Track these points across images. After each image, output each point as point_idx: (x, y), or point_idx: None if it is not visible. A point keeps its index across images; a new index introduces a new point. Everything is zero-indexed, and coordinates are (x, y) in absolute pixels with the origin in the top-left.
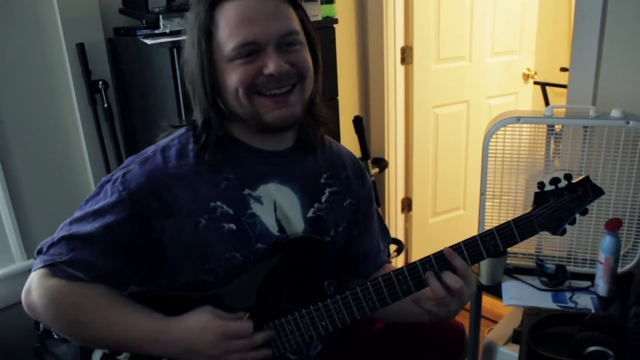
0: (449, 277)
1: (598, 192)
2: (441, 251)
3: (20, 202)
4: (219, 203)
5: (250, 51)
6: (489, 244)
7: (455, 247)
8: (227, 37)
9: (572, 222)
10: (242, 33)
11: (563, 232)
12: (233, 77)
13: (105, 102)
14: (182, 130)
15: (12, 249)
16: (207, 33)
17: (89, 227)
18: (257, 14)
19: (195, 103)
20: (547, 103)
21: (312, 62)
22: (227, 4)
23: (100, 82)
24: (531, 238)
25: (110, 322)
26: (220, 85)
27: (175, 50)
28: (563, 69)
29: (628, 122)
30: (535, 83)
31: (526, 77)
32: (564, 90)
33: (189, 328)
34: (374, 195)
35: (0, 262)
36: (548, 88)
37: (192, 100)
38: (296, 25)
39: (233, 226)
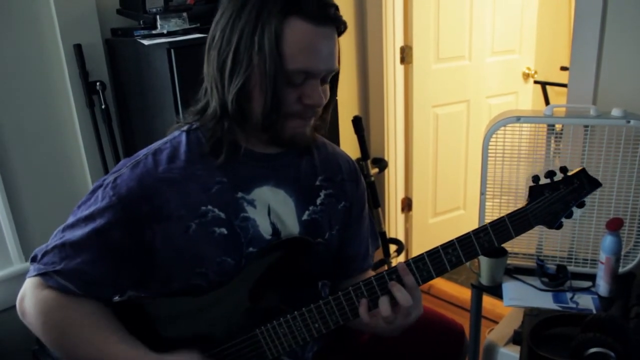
0: (399, 293)
1: (594, 183)
2: (395, 266)
3: (18, 203)
4: (210, 207)
5: (301, 79)
6: (483, 240)
7: (449, 244)
8: (291, 55)
9: (569, 216)
10: (305, 61)
11: (559, 226)
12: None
13: (103, 103)
14: (175, 133)
15: (10, 251)
16: (277, 37)
17: (80, 232)
18: (322, 47)
19: (219, 95)
20: (547, 102)
21: (334, 87)
22: (300, 21)
23: (97, 84)
24: (531, 238)
25: (93, 347)
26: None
27: (172, 51)
28: (563, 68)
29: (629, 122)
30: (536, 82)
31: (526, 76)
32: (564, 89)
33: None
34: (372, 195)
35: None
36: (548, 87)
37: (214, 89)
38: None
39: (224, 230)
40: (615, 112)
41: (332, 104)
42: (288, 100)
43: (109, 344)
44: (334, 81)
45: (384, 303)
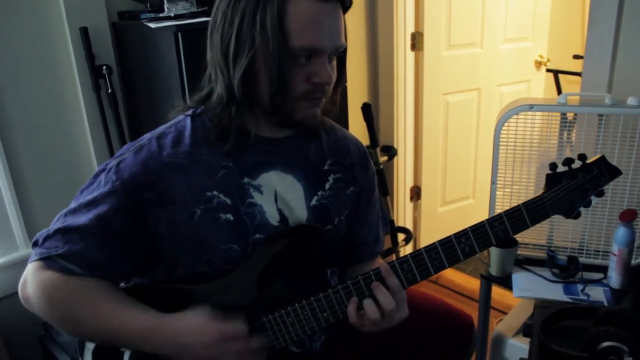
0: (382, 296)
1: (614, 172)
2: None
3: (23, 189)
4: (215, 193)
5: (308, 56)
6: (498, 230)
7: (462, 234)
8: (295, 33)
9: (587, 205)
10: (312, 36)
11: (577, 216)
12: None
13: (109, 87)
14: (180, 117)
15: (15, 237)
16: (280, 14)
17: (83, 218)
18: (327, 23)
19: (225, 79)
20: (559, 91)
21: (342, 66)
22: None
23: (104, 67)
24: (542, 228)
25: (102, 315)
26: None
27: (179, 34)
28: (576, 57)
29: None
30: (548, 70)
31: (539, 64)
32: (576, 78)
33: (184, 327)
34: (381, 183)
35: (4, 249)
36: (560, 76)
37: (219, 74)
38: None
39: (230, 217)
40: (632, 100)
41: (342, 84)
42: (295, 80)
43: (118, 310)
44: (342, 61)
45: (370, 306)
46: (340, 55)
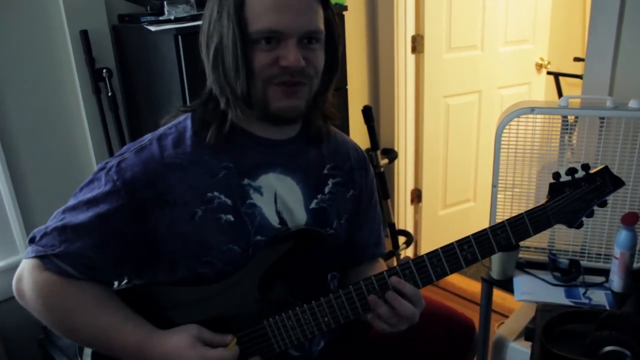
0: (398, 303)
1: (618, 182)
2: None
3: (23, 192)
4: (216, 193)
5: (273, 38)
6: (501, 238)
7: (465, 241)
8: (254, 18)
9: (590, 215)
10: (270, 19)
11: (580, 225)
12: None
13: (109, 90)
14: (180, 118)
15: (15, 240)
16: (240, 3)
17: (82, 216)
18: (288, 5)
19: (208, 78)
20: (560, 94)
21: (333, 61)
22: None
23: (104, 70)
24: (544, 231)
25: (97, 327)
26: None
27: (180, 37)
28: (577, 59)
29: None
30: (549, 73)
31: (539, 67)
32: (577, 80)
33: (169, 349)
34: (382, 186)
35: (4, 253)
36: (561, 79)
37: (207, 76)
38: (321, 24)
39: (231, 217)
40: (633, 103)
41: (335, 75)
42: (261, 63)
43: (113, 323)
44: (333, 51)
45: (389, 315)
46: (331, 44)
